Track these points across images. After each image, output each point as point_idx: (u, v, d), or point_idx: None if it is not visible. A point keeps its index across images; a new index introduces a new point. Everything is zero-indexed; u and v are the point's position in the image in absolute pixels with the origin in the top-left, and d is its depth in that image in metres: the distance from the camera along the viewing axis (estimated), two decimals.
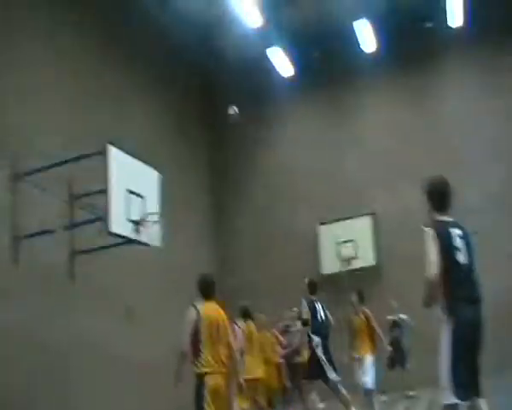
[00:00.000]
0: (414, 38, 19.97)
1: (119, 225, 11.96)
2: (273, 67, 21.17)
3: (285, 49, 20.54)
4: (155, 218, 12.82)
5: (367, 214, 19.87)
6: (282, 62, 21.01)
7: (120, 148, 12.56)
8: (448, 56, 20.30)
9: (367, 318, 12.63)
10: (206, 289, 7.92)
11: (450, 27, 19.27)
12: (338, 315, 19.06)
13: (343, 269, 19.14)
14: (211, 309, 7.74)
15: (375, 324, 12.65)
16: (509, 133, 19.02)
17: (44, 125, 14.11)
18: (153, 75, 18.96)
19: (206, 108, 22.60)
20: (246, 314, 12.45)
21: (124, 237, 12.38)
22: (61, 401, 12.57)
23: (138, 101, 17.61)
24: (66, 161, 13.10)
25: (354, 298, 13.02)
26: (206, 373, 7.26)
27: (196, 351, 7.40)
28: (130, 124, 15.96)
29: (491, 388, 6.36)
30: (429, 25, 19.95)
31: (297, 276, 19.74)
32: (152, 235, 12.69)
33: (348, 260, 19.34)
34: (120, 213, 12.00)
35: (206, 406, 7.10)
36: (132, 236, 12.41)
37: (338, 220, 19.92)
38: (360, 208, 20.00)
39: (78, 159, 13.14)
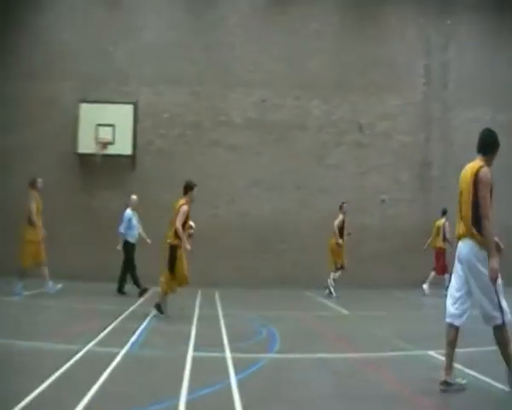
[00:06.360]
0: None
1: None
2: None
3: None
4: None
5: (130, 103, 19.82)
6: None
7: None
8: None
9: None
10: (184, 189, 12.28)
11: None
12: (91, 197, 19.47)
13: (99, 152, 19.11)
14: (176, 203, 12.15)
15: None
16: None
17: None
18: None
19: None
20: None
21: None
22: None
23: None
24: None
25: None
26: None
27: None
28: None
29: None
30: None
31: (51, 150, 19.54)
32: None
33: (105, 144, 19.24)
34: None
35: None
36: None
37: (100, 102, 19.56)
38: (124, 96, 19.96)
39: None
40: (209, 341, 9.39)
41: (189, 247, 11.93)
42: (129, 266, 15.76)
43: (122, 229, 15.84)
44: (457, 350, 7.83)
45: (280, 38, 20.79)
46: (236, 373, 7.10)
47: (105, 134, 19.27)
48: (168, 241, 11.99)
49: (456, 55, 21.68)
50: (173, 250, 11.91)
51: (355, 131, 21.01)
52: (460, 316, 6.65)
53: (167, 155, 19.95)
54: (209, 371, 7.33)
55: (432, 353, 8.56)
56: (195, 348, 8.57)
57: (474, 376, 7.19)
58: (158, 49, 20.34)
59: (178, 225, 11.83)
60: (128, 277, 15.79)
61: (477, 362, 7.87)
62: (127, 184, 19.56)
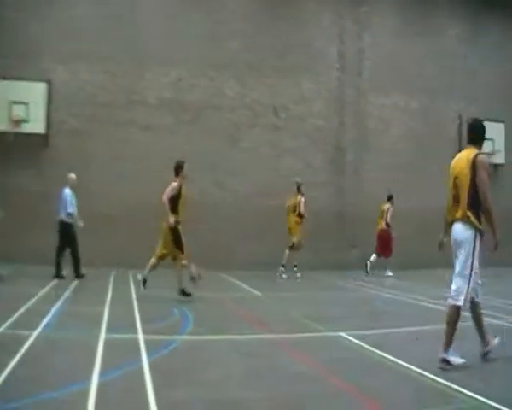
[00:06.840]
0: None
1: None
2: None
3: None
4: None
5: (44, 81, 19.32)
6: None
7: None
8: None
9: None
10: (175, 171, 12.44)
11: None
12: (4, 176, 18.88)
13: (11, 130, 18.69)
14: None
15: None
16: None
17: None
18: None
19: None
20: None
21: None
22: None
23: None
24: None
25: None
26: None
27: None
28: None
29: None
30: None
31: None
32: None
33: (18, 121, 18.76)
34: None
35: None
36: None
37: (14, 79, 18.84)
38: (39, 74, 19.33)
39: None
40: (122, 322, 9.42)
41: (172, 220, 12.00)
42: (71, 245, 15.37)
43: (70, 209, 15.34)
44: (368, 332, 8.14)
45: (197, 17, 20.72)
46: (148, 355, 7.19)
47: (18, 112, 18.77)
48: (165, 224, 12.18)
49: (370, 43, 22.21)
50: (175, 230, 12.19)
51: (270, 114, 21.23)
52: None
53: (81, 134, 19.45)
54: (121, 353, 7.38)
55: (343, 334, 8.79)
56: (108, 330, 8.59)
57: (384, 357, 7.45)
58: (75, 25, 19.68)
59: (165, 197, 12.03)
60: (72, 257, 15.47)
61: (388, 343, 8.17)
62: (40, 163, 19.14)
